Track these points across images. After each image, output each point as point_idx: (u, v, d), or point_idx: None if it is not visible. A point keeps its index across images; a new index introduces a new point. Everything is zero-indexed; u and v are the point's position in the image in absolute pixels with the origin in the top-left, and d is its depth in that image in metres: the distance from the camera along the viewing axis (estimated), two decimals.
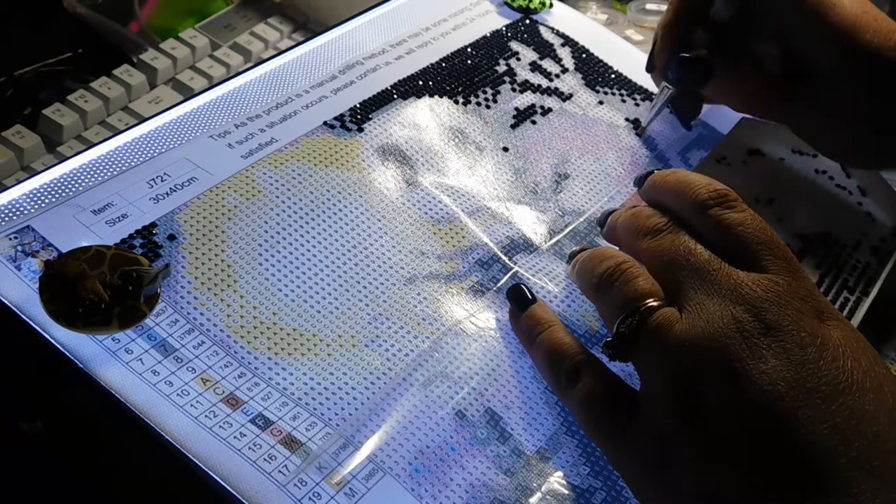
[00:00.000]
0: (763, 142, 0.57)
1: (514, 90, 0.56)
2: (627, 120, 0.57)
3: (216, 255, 0.42)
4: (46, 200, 0.42)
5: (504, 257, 0.47)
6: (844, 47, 0.48)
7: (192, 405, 0.37)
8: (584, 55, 0.61)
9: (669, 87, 0.54)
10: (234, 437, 0.36)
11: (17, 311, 0.38)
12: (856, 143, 0.51)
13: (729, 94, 0.54)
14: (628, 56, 0.63)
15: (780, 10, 0.50)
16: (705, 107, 0.60)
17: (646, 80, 0.60)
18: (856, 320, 0.49)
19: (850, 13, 0.48)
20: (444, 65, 0.56)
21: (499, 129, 0.53)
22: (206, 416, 0.36)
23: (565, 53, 0.60)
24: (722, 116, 0.59)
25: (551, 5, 0.63)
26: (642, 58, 0.63)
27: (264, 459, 0.35)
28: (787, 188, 0.55)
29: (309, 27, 0.75)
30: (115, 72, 0.64)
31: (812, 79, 0.50)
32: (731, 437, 0.32)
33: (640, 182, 0.43)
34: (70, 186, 0.43)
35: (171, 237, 0.42)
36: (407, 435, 0.38)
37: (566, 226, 0.49)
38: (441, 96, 0.54)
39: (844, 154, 0.54)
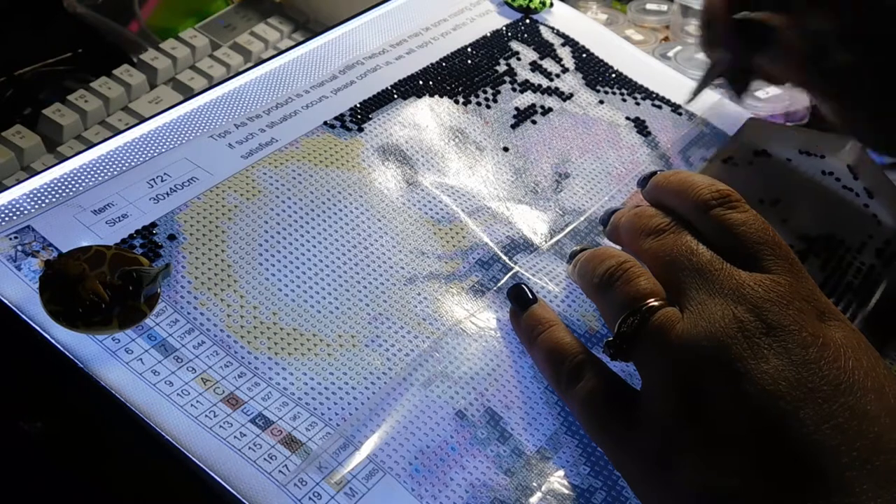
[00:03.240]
0: (770, 143, 0.57)
1: (514, 90, 0.56)
2: (628, 119, 0.57)
3: (216, 255, 0.42)
4: (46, 200, 0.42)
5: (504, 257, 0.46)
6: None
7: (192, 405, 0.36)
8: (584, 55, 0.61)
9: (726, 54, 0.52)
10: (234, 436, 0.36)
11: (17, 311, 0.38)
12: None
13: (789, 67, 0.51)
14: (628, 56, 0.63)
15: None
16: (708, 104, 0.60)
17: (645, 80, 0.60)
18: (858, 322, 0.49)
19: None
20: (444, 65, 0.56)
21: (499, 129, 0.53)
22: (206, 415, 0.36)
23: (565, 53, 0.60)
24: (726, 116, 0.59)
25: (551, 5, 0.63)
26: (643, 57, 0.63)
27: (264, 459, 0.35)
28: (793, 189, 0.55)
29: (309, 27, 0.75)
30: (115, 72, 0.64)
31: (879, 64, 0.47)
32: (732, 436, 0.32)
33: (643, 182, 0.43)
34: (70, 186, 0.43)
35: (172, 237, 0.42)
36: (407, 435, 0.38)
37: (567, 225, 0.49)
38: (441, 96, 0.54)
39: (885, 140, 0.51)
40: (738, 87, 0.56)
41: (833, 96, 0.52)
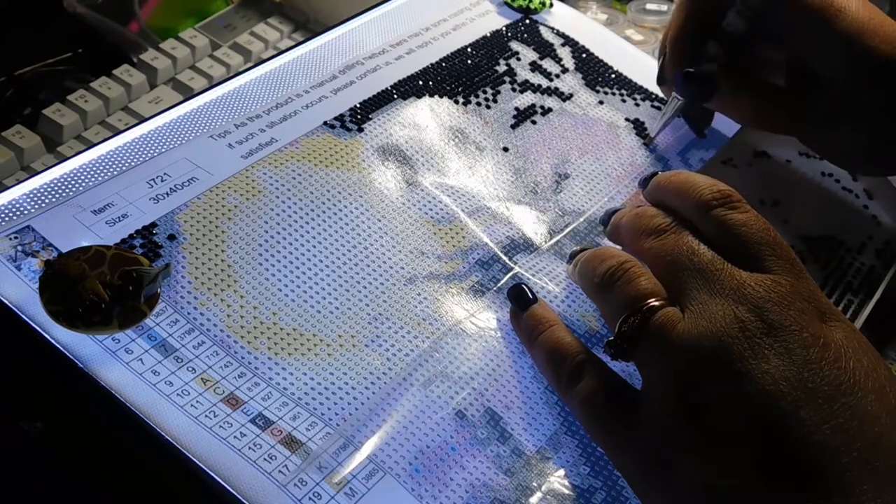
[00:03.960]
0: (769, 144, 0.57)
1: (514, 90, 0.56)
2: (627, 120, 0.57)
3: (216, 255, 0.42)
4: (46, 200, 0.42)
5: (504, 257, 0.46)
6: (851, 54, 0.47)
7: (192, 405, 0.36)
8: (584, 55, 0.61)
9: (679, 98, 0.53)
10: (235, 436, 0.36)
11: (17, 311, 0.38)
12: (866, 151, 0.50)
13: (735, 109, 0.53)
14: (628, 56, 0.63)
15: (786, 20, 0.49)
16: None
17: (645, 80, 0.60)
18: (858, 322, 0.49)
19: (856, 19, 0.47)
20: (444, 65, 0.56)
21: (499, 129, 0.53)
22: (206, 416, 0.36)
23: (565, 53, 0.60)
24: (725, 118, 0.59)
25: (551, 5, 0.63)
26: (643, 58, 0.63)
27: (264, 459, 0.35)
28: (793, 190, 0.55)
29: (309, 27, 0.75)
30: (115, 72, 0.64)
31: (820, 89, 0.49)
32: (732, 436, 0.32)
33: (644, 182, 0.43)
34: (70, 186, 0.43)
35: (172, 237, 0.42)
36: (407, 435, 0.38)
37: (566, 226, 0.49)
38: (441, 96, 0.54)
39: (855, 163, 0.53)
40: (699, 125, 0.56)
41: (794, 130, 0.53)
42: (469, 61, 0.57)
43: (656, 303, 0.36)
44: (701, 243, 0.37)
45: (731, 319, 0.34)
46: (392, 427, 0.38)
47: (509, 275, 0.46)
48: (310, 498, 0.35)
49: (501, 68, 0.57)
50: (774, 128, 0.53)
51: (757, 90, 0.51)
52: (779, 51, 0.51)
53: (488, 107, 0.54)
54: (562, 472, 0.39)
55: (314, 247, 0.44)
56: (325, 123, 0.50)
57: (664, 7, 0.78)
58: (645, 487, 0.35)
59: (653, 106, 0.58)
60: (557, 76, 0.58)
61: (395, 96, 0.53)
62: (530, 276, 0.46)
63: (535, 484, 0.38)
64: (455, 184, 0.49)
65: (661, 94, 0.59)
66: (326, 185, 0.47)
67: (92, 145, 0.46)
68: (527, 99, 0.56)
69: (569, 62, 0.60)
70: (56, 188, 0.43)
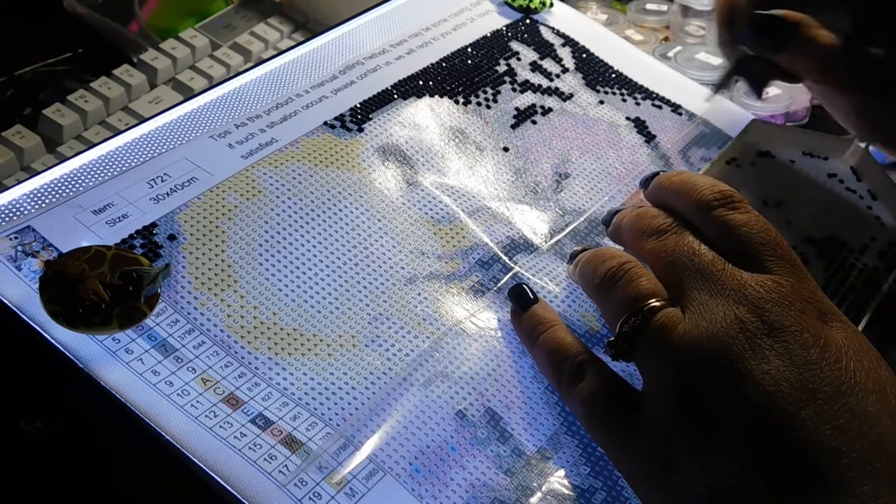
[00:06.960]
0: (773, 144, 0.57)
1: (514, 90, 0.56)
2: (628, 119, 0.57)
3: (216, 255, 0.42)
4: (47, 200, 0.42)
5: (504, 257, 0.46)
6: None
7: (192, 405, 0.36)
8: (584, 55, 0.61)
9: (746, 50, 0.51)
10: (235, 437, 0.36)
11: (18, 311, 0.38)
12: None
13: (803, 62, 0.50)
14: (628, 56, 0.63)
15: None
16: (710, 104, 0.60)
17: (646, 80, 0.60)
18: (860, 323, 0.49)
19: None
20: (444, 65, 0.56)
21: (499, 129, 0.53)
22: (206, 416, 0.36)
23: (565, 53, 0.60)
24: (726, 116, 0.59)
25: (551, 5, 0.63)
26: (643, 57, 0.63)
27: (264, 459, 0.35)
28: (797, 191, 0.55)
29: (309, 27, 0.75)
30: (115, 72, 0.64)
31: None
32: (733, 437, 0.32)
33: (645, 183, 0.43)
34: (70, 186, 0.43)
35: (172, 237, 0.42)
36: (407, 435, 0.38)
37: (567, 225, 0.49)
38: (441, 96, 0.54)
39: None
40: (758, 85, 0.55)
41: (855, 91, 0.51)
42: (469, 61, 0.57)
43: (657, 303, 0.36)
44: (702, 244, 0.37)
45: (731, 320, 0.34)
46: (392, 427, 0.38)
47: (509, 275, 0.46)
48: (310, 498, 0.35)
49: (502, 68, 0.57)
50: (833, 84, 0.52)
51: (827, 42, 0.49)
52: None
53: (488, 107, 0.54)
54: (562, 472, 0.39)
55: (314, 247, 0.44)
56: (325, 123, 0.50)
57: (664, 7, 0.78)
58: (645, 487, 0.35)
59: (653, 105, 0.58)
60: (558, 76, 0.58)
61: (396, 96, 0.53)
62: (530, 276, 0.46)
63: (535, 484, 0.38)
64: (455, 184, 0.49)
65: (660, 93, 0.59)
66: (326, 185, 0.47)
67: (92, 145, 0.46)
68: (527, 99, 0.56)
69: (569, 62, 0.60)
70: (56, 188, 0.43)
